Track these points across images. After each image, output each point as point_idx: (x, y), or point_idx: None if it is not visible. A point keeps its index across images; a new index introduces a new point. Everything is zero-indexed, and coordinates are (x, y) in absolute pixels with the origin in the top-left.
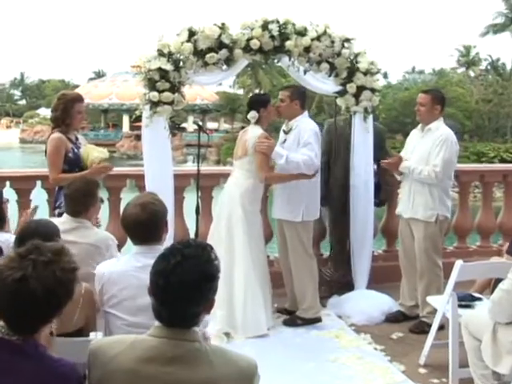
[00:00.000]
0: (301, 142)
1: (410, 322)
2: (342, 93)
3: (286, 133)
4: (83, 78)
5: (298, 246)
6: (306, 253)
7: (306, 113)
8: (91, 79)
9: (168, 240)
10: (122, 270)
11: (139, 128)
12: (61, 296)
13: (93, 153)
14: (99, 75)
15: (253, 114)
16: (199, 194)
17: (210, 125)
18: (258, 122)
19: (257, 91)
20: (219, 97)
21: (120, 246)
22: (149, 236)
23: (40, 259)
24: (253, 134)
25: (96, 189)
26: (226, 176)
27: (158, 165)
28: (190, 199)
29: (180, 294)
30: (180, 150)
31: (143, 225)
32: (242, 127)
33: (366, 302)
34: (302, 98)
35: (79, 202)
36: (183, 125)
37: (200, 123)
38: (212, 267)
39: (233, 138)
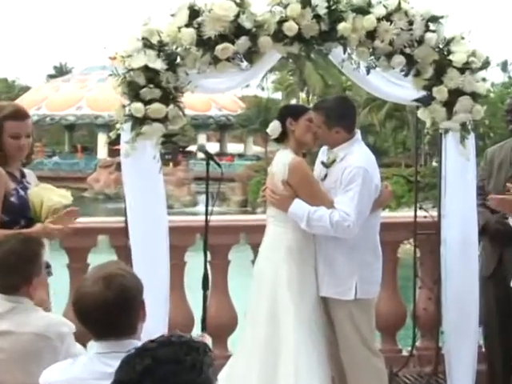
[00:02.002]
0: (342, 184)
1: None
2: (426, 100)
3: (327, 166)
4: (38, 75)
5: (353, 335)
6: (365, 346)
7: (357, 135)
8: (50, 77)
9: (160, 330)
10: (78, 379)
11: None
12: None
13: (49, 196)
14: (62, 72)
15: (274, 125)
16: (208, 258)
17: (233, 147)
18: (284, 142)
19: (303, 95)
20: (245, 104)
21: (82, 340)
22: (117, 326)
23: None
24: (281, 161)
25: (40, 250)
26: (251, 229)
27: (145, 213)
28: (196, 265)
29: None
30: (186, 187)
31: (109, 308)
32: None
33: None
34: (346, 120)
35: (14, 272)
36: (190, 148)
37: (207, 148)
38: (199, 377)
39: (266, 166)
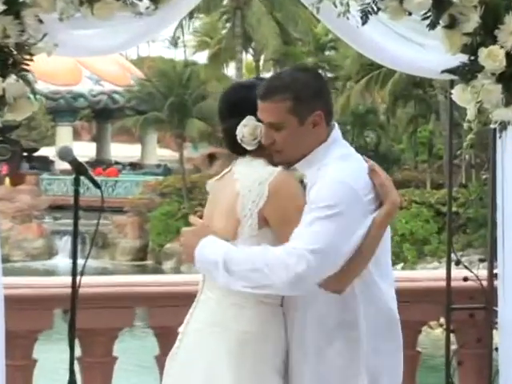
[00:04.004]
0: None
1: None
2: (467, 72)
3: None
4: None
5: None
6: None
7: (335, 131)
8: None
9: None
10: None
11: None
12: None
13: None
14: None
15: (251, 123)
16: (77, 354)
17: (121, 150)
18: (257, 151)
19: (248, 56)
20: (144, 72)
21: None
22: None
23: None
24: (253, 177)
25: None
26: (156, 300)
27: None
28: (55, 366)
29: None
30: (35, 224)
31: None
32: (209, 156)
33: None
34: (324, 100)
35: None
36: (43, 152)
37: (74, 153)
38: None
39: (185, 188)
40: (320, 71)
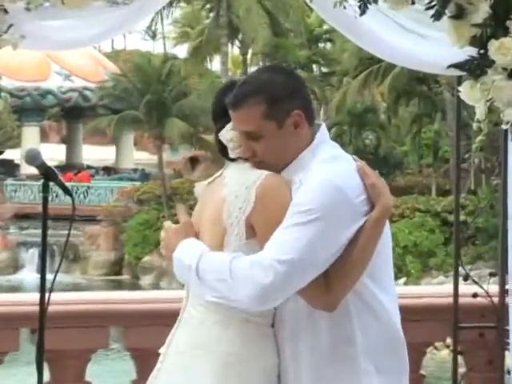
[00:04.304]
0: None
1: None
2: (475, 67)
3: None
4: None
5: None
6: None
7: (322, 130)
8: None
9: None
10: None
11: None
12: None
13: None
14: None
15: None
16: (46, 379)
17: (94, 153)
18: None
19: (234, 49)
20: (119, 67)
21: None
22: None
23: None
24: (240, 181)
25: None
26: (133, 319)
27: None
28: None
29: None
30: (0, 237)
31: None
32: (191, 160)
33: None
34: (301, 98)
35: None
36: (7, 155)
37: (42, 157)
38: None
39: (165, 195)
40: (314, 65)
